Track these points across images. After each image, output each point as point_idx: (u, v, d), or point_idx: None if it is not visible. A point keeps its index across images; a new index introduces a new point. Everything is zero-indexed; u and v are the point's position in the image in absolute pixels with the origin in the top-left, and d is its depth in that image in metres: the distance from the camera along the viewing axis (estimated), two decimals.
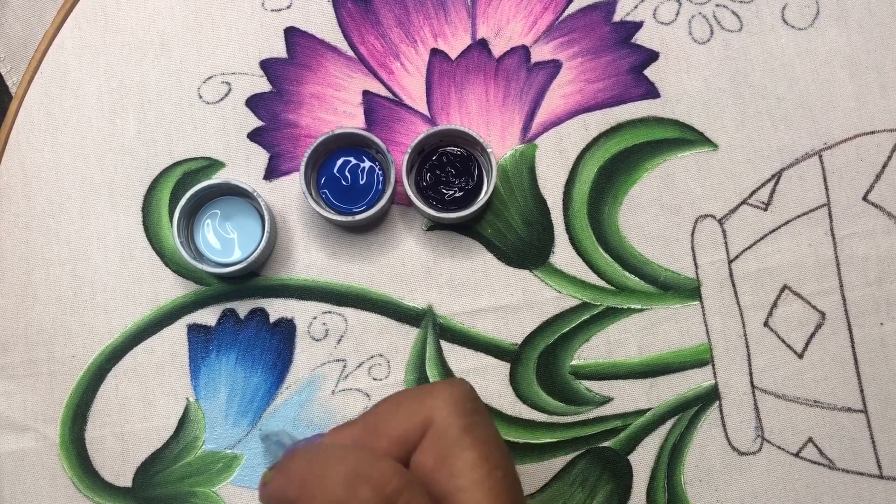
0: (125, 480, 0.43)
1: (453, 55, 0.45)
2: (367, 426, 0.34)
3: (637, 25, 0.45)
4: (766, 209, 0.45)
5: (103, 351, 0.44)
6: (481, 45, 0.45)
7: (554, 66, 0.45)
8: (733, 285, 0.44)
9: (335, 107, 0.45)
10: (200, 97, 0.45)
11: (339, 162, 0.44)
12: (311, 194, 0.43)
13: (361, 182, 0.44)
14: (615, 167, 0.45)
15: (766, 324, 0.44)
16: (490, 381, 0.44)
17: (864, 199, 0.45)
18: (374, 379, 0.44)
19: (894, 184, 0.45)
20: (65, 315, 0.44)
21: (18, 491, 0.43)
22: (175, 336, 0.44)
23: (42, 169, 0.45)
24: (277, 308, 0.44)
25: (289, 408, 0.44)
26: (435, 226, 0.45)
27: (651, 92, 0.45)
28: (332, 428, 0.35)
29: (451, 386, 0.34)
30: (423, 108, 0.45)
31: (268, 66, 0.45)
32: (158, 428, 0.44)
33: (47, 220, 0.45)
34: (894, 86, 0.45)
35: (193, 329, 0.44)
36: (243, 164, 0.45)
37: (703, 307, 0.44)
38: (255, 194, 0.43)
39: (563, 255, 0.45)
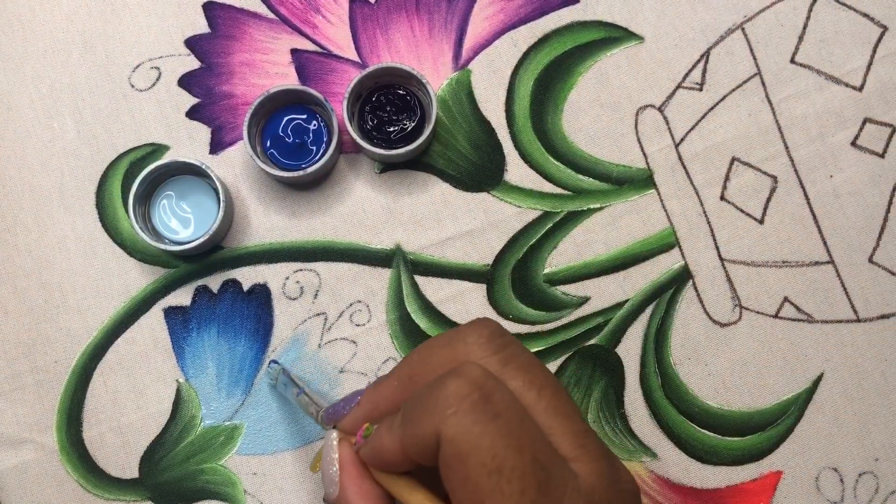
0: (132, 472, 0.43)
1: None
2: (402, 378, 0.34)
3: None
4: (701, 89, 0.46)
5: (85, 351, 0.44)
6: None
7: None
8: (684, 167, 0.45)
9: (266, 70, 0.45)
10: (132, 86, 0.45)
11: (283, 122, 0.44)
12: (258, 156, 0.43)
13: (307, 138, 0.44)
14: (550, 77, 0.46)
15: (722, 198, 0.45)
16: (469, 304, 0.45)
17: (792, 61, 0.46)
18: (357, 325, 0.44)
19: (817, 42, 0.46)
20: (39, 324, 0.44)
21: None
22: (153, 322, 0.44)
23: None
24: (248, 275, 0.45)
25: None
26: (387, 167, 0.45)
27: None
28: (367, 388, 0.36)
29: (479, 326, 0.34)
30: (353, 55, 0.46)
31: (193, 43, 0.46)
32: (154, 414, 0.44)
33: (4, 234, 0.44)
34: None
35: (170, 312, 0.44)
36: (187, 143, 0.45)
37: (659, 194, 0.45)
38: (203, 167, 0.43)
39: (516, 171, 0.45)
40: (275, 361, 0.43)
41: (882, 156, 0.45)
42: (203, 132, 0.45)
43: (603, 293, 0.45)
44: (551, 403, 0.32)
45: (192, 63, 0.46)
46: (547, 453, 0.30)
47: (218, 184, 0.43)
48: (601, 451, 0.32)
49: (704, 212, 0.45)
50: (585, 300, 0.45)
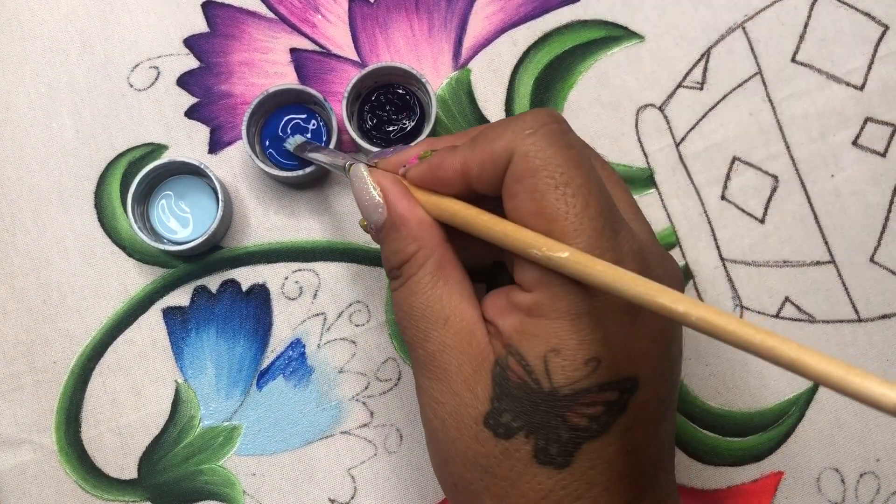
0: (130, 473, 0.43)
1: None
2: (462, 137, 0.35)
3: None
4: (701, 88, 0.46)
5: (83, 351, 0.44)
6: None
7: None
8: (685, 167, 0.45)
9: (265, 70, 0.45)
10: (131, 86, 0.45)
11: (282, 121, 0.44)
12: (257, 156, 0.43)
13: (306, 137, 0.44)
14: (550, 76, 0.46)
15: (723, 197, 0.45)
16: None
17: (793, 60, 0.46)
18: (357, 325, 0.44)
19: (818, 41, 0.46)
20: (38, 324, 0.44)
21: None
22: (152, 323, 0.44)
23: None
24: (247, 276, 0.44)
25: (278, 369, 0.44)
26: None
27: None
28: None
29: (541, 109, 0.35)
30: (353, 55, 0.46)
31: (192, 42, 0.46)
32: (153, 415, 0.44)
33: (2, 234, 0.44)
34: None
35: (168, 312, 0.44)
36: (186, 143, 0.45)
37: (659, 193, 0.45)
38: (202, 166, 0.43)
39: None
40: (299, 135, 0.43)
41: (883, 155, 0.45)
42: (202, 132, 0.45)
43: None
44: (612, 176, 0.35)
45: (191, 62, 0.45)
46: (609, 195, 0.32)
47: (217, 184, 0.43)
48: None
49: (705, 211, 0.45)
50: None
